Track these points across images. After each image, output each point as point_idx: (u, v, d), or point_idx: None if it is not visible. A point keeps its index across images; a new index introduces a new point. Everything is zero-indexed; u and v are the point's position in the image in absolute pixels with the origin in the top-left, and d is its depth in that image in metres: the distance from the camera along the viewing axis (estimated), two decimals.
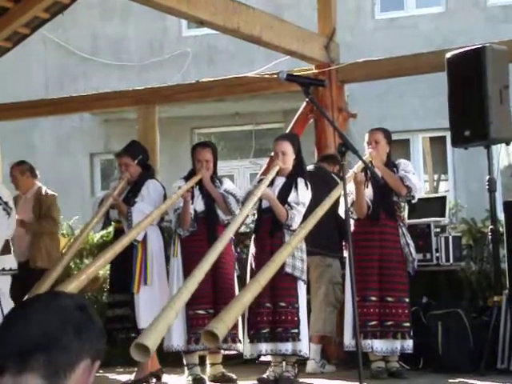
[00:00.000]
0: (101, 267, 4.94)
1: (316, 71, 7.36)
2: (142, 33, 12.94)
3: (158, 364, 6.12)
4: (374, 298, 5.81)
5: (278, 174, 5.78)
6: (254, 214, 6.46)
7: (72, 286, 4.33)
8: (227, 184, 6.04)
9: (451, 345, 5.95)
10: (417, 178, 6.03)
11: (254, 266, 5.74)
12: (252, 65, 9.95)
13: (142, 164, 6.20)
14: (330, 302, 6.36)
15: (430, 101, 11.08)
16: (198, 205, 5.92)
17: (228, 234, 5.13)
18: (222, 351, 5.96)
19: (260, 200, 5.75)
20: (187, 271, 5.83)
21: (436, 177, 12.62)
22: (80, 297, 1.65)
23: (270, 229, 5.72)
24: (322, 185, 6.01)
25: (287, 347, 5.62)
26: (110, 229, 6.76)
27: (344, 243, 6.30)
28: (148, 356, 3.85)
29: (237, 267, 6.06)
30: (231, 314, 4.17)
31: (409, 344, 5.80)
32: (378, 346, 5.79)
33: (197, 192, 5.93)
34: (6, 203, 5.47)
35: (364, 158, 5.71)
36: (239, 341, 5.84)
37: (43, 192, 7.10)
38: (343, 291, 6.20)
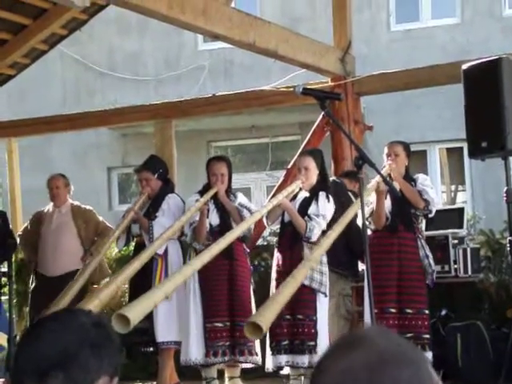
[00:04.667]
0: (127, 279, 4.95)
1: (332, 84, 7.37)
2: (159, 47, 13.01)
3: (177, 378, 6.13)
4: (393, 310, 5.79)
5: (301, 189, 5.80)
6: (270, 229, 6.45)
7: (96, 303, 4.33)
8: (241, 198, 6.06)
9: (471, 357, 5.92)
10: (434, 192, 6.02)
11: (275, 277, 5.78)
12: (268, 77, 9.98)
13: (161, 178, 6.25)
14: (342, 315, 6.33)
15: (447, 112, 11.05)
16: (213, 218, 5.94)
17: (239, 230, 5.28)
18: (241, 365, 5.96)
19: (283, 213, 5.77)
20: (203, 285, 5.86)
21: (453, 188, 12.58)
22: (97, 314, 1.66)
23: (290, 241, 5.74)
24: (335, 201, 5.98)
25: (304, 360, 5.62)
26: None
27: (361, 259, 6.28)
28: (128, 329, 3.87)
29: (252, 281, 6.06)
30: (272, 306, 4.18)
31: (428, 356, 5.77)
32: None
33: (212, 206, 5.95)
34: None
35: (383, 169, 5.72)
36: (256, 353, 5.84)
37: (82, 207, 7.15)
38: (356, 304, 6.18)
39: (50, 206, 7.19)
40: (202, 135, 12.61)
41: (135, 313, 3.88)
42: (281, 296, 4.37)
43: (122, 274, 4.85)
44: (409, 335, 5.76)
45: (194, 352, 5.82)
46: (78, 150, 13.19)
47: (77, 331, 1.54)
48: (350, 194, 6.44)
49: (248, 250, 6.13)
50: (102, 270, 6.96)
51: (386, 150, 6.02)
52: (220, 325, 5.79)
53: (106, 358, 1.53)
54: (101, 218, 7.19)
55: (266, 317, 4.09)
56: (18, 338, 4.46)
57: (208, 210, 5.88)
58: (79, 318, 1.56)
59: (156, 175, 6.20)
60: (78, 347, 1.51)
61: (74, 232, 6.97)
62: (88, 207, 7.21)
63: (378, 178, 5.66)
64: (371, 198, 5.72)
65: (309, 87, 4.93)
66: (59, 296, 5.13)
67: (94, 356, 1.51)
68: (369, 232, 5.74)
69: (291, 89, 5.55)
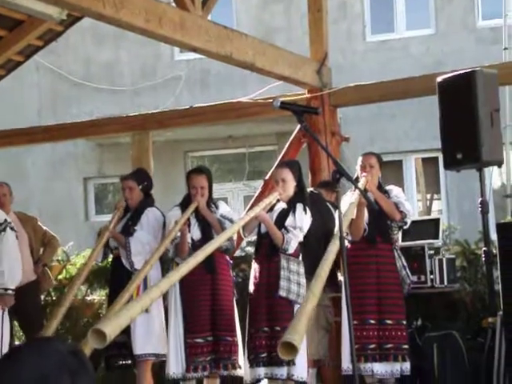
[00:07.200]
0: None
1: (309, 96, 7.40)
2: (135, 57, 13.01)
3: None
4: (372, 321, 5.82)
5: (278, 200, 5.82)
6: (250, 239, 6.46)
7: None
8: (223, 208, 6.04)
9: (447, 367, 5.97)
10: (409, 205, 6.08)
11: (252, 289, 5.79)
12: (245, 88, 10.02)
13: (145, 191, 6.27)
14: (322, 326, 6.35)
15: (422, 122, 11.16)
16: (195, 233, 5.93)
17: (217, 242, 5.17)
18: (220, 375, 5.96)
19: (259, 225, 5.78)
20: (184, 299, 5.85)
21: (429, 196, 12.68)
22: (72, 343, 1.67)
23: (267, 253, 5.75)
24: (314, 211, 6.01)
25: (282, 372, 5.62)
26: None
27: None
28: (104, 343, 3.86)
29: (235, 291, 6.07)
30: (301, 323, 4.16)
31: (407, 366, 5.81)
32: (379, 368, 5.80)
33: (193, 220, 5.93)
34: (9, 222, 5.58)
35: (360, 183, 5.76)
36: (239, 366, 5.84)
37: (27, 215, 7.13)
38: (334, 314, 6.21)
39: None
40: (178, 145, 12.61)
41: (112, 327, 3.86)
42: (304, 312, 4.33)
43: (119, 302, 4.89)
44: (389, 346, 5.80)
45: (173, 366, 5.80)
46: (53, 160, 13.14)
47: (55, 357, 1.54)
48: (328, 204, 6.46)
49: (231, 262, 6.14)
50: (50, 279, 7.04)
51: (359, 162, 6.06)
52: (201, 340, 5.78)
53: None
54: (44, 228, 7.12)
55: (298, 334, 4.06)
56: None
57: (189, 225, 5.88)
58: (56, 345, 1.57)
59: (140, 186, 6.24)
60: (56, 374, 1.51)
61: (26, 240, 6.87)
62: (32, 215, 7.15)
63: (357, 192, 5.68)
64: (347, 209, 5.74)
65: (286, 101, 4.94)
66: (47, 323, 5.17)
67: (71, 383, 1.52)
68: (346, 243, 5.77)
69: (268, 100, 5.58)
